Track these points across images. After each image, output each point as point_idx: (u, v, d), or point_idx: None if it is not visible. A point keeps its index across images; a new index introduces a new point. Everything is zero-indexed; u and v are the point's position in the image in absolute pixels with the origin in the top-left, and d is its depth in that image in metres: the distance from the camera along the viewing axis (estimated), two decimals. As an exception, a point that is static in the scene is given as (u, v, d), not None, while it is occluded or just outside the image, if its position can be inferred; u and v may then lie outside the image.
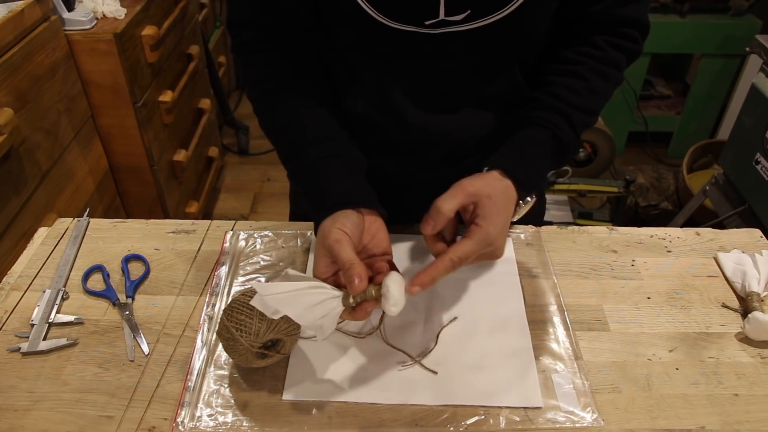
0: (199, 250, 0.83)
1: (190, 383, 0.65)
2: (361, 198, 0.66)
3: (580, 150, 2.28)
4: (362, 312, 0.60)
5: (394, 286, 0.58)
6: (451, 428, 0.61)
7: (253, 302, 0.59)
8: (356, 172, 0.71)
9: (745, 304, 0.74)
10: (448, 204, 0.62)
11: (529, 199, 0.70)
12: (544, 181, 0.70)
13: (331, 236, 0.61)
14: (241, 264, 0.81)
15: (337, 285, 0.62)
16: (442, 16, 0.64)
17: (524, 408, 0.63)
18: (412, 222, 0.85)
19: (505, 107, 0.76)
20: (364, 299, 0.59)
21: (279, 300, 0.58)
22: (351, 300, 0.59)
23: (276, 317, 0.58)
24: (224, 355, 0.68)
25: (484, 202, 0.62)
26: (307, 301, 0.59)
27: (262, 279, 0.78)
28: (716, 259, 0.82)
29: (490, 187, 0.63)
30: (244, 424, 0.61)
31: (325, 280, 0.62)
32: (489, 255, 0.62)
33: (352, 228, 0.62)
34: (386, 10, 0.64)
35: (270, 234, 0.85)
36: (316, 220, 0.65)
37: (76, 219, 0.88)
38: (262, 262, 0.81)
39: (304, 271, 0.79)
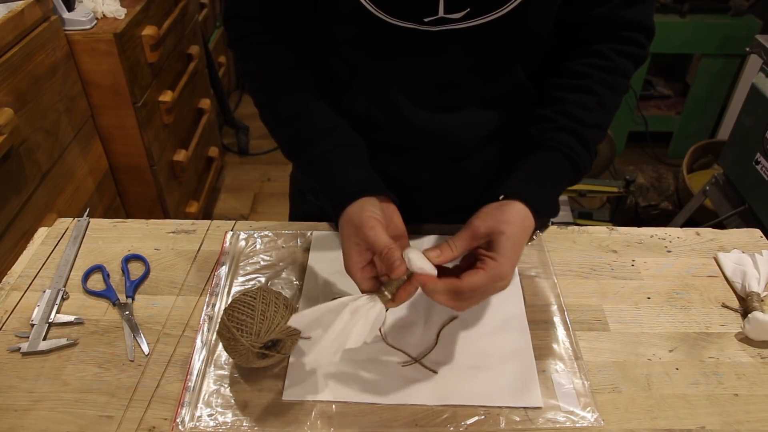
0: (199, 250, 0.83)
1: (190, 383, 0.65)
2: (375, 186, 0.67)
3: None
4: (405, 294, 0.60)
5: (414, 254, 0.59)
6: (451, 428, 0.61)
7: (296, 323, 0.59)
8: (365, 161, 0.72)
9: (745, 304, 0.74)
10: (458, 244, 0.61)
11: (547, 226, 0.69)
12: (558, 207, 0.71)
13: (366, 224, 0.61)
14: (241, 264, 0.81)
15: (373, 277, 0.62)
16: (441, 13, 0.64)
17: (524, 408, 0.63)
18: (418, 221, 0.86)
19: (507, 105, 0.76)
20: (399, 285, 0.60)
21: (320, 326, 0.59)
22: (386, 293, 0.59)
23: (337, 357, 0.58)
24: (224, 355, 0.68)
25: (497, 238, 0.61)
26: (344, 318, 0.58)
27: (262, 279, 0.78)
28: (716, 259, 0.82)
29: (504, 224, 0.62)
30: (244, 424, 0.61)
31: (361, 269, 0.62)
32: (497, 289, 0.61)
33: (380, 214, 0.63)
34: (385, 6, 0.64)
35: (270, 234, 0.85)
36: (338, 210, 0.66)
37: (76, 219, 0.88)
38: (262, 262, 0.81)
39: (304, 270, 0.79)
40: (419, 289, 0.60)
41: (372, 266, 0.63)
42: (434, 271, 0.60)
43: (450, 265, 0.64)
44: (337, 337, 0.57)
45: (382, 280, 0.62)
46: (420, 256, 0.59)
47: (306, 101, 0.72)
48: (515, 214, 0.63)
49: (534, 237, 0.67)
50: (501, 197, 0.66)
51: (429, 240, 0.84)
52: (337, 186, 0.67)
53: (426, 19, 0.64)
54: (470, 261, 0.63)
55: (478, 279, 0.59)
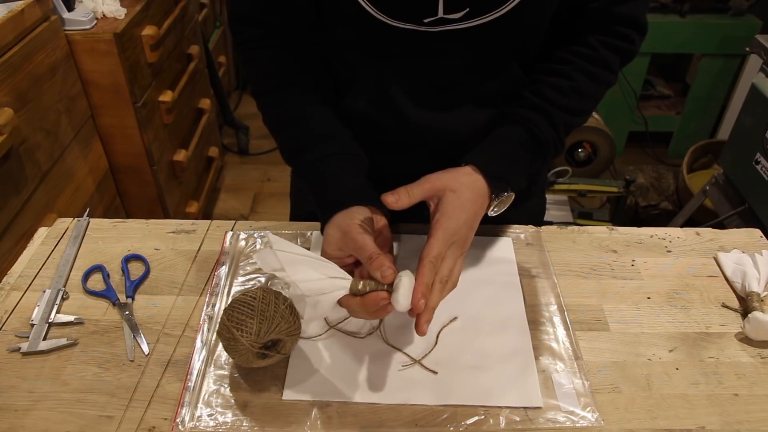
0: (199, 250, 0.83)
1: (190, 383, 0.65)
2: (367, 196, 0.67)
3: (580, 150, 2.28)
4: (372, 301, 0.58)
5: (407, 282, 0.58)
6: (451, 428, 0.61)
7: (257, 257, 0.59)
8: (361, 170, 0.71)
9: (745, 304, 0.74)
10: (415, 190, 0.63)
11: (505, 194, 0.70)
12: (522, 177, 0.71)
13: (355, 229, 0.61)
14: (241, 264, 0.81)
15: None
16: (440, 14, 0.64)
17: (524, 408, 0.63)
18: (418, 221, 0.86)
19: (505, 100, 0.76)
20: (374, 289, 0.59)
21: (288, 259, 0.58)
22: (360, 286, 0.59)
23: (277, 274, 0.57)
24: (224, 355, 0.68)
25: (448, 196, 0.63)
26: (316, 271, 0.58)
27: (262, 279, 0.78)
28: (716, 259, 0.82)
29: (457, 182, 0.64)
30: (244, 424, 0.61)
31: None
32: (459, 246, 0.63)
33: (369, 222, 0.63)
34: (386, 8, 0.64)
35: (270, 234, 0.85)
36: (326, 216, 0.66)
37: (76, 219, 0.88)
38: (262, 262, 0.81)
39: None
40: (423, 302, 0.59)
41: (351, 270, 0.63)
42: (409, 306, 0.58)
43: None
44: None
45: None
46: (411, 287, 0.58)
47: (307, 106, 0.72)
48: (466, 175, 0.65)
49: (493, 201, 0.68)
50: (462, 164, 0.68)
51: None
52: (328, 193, 0.67)
53: (426, 20, 0.65)
54: None
55: (435, 243, 0.60)
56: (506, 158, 0.69)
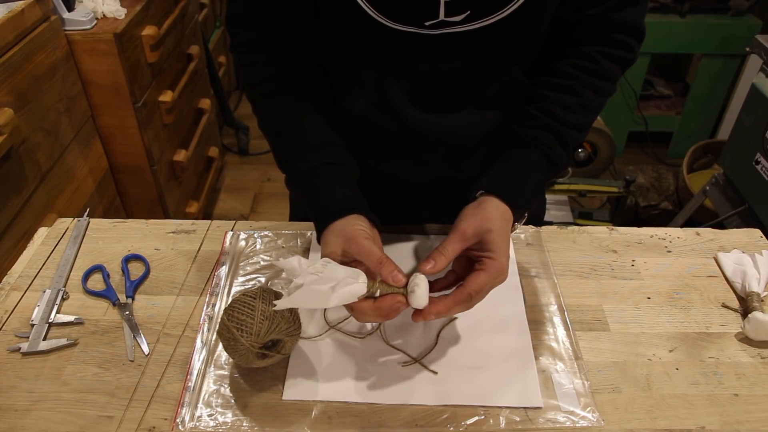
0: (199, 250, 0.83)
1: (190, 383, 0.65)
2: (359, 205, 0.67)
3: (580, 150, 2.28)
4: (388, 304, 0.59)
5: (423, 283, 0.59)
6: (451, 428, 0.61)
7: (281, 304, 0.59)
8: (352, 180, 0.72)
9: (745, 304, 0.74)
10: (449, 249, 0.62)
11: (524, 217, 0.70)
12: (535, 199, 0.72)
13: (360, 235, 0.62)
14: (241, 264, 0.81)
15: None
16: (442, 16, 0.64)
17: (524, 408, 0.63)
18: (418, 222, 0.86)
19: (505, 105, 0.76)
20: (391, 292, 0.60)
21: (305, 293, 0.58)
22: (378, 286, 0.59)
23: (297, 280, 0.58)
24: (224, 355, 0.68)
25: (488, 237, 0.62)
26: (329, 280, 0.58)
27: (262, 279, 0.78)
28: (716, 259, 0.82)
29: (489, 221, 0.63)
30: (244, 424, 0.61)
31: None
32: (498, 283, 0.63)
33: (368, 229, 0.64)
34: (386, 10, 0.64)
35: (270, 234, 0.85)
36: (322, 224, 0.66)
37: (76, 219, 0.88)
38: (262, 262, 0.81)
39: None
40: (433, 317, 0.60)
41: None
42: (426, 302, 0.59)
43: (442, 274, 0.64)
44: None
45: None
46: (426, 289, 0.59)
47: (301, 115, 0.72)
48: (495, 209, 0.65)
49: (515, 227, 0.68)
50: (479, 193, 0.67)
51: (424, 241, 0.84)
52: (322, 202, 0.67)
53: (427, 23, 0.64)
54: (463, 263, 0.65)
55: (482, 280, 0.60)
56: (526, 186, 0.69)
